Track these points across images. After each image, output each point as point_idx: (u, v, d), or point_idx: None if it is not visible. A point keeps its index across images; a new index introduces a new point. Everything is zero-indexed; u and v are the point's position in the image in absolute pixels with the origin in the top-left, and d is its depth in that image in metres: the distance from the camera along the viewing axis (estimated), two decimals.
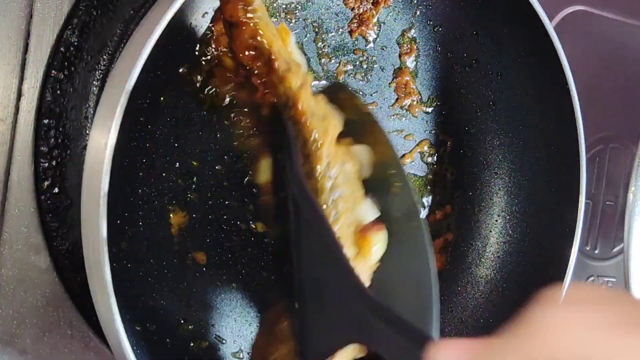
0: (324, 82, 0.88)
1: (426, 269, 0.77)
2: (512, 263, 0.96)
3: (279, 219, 0.79)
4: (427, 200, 0.97)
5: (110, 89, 0.67)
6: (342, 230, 0.77)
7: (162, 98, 0.78)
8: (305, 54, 0.85)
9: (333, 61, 0.89)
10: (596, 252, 1.19)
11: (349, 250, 0.77)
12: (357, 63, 0.90)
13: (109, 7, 0.79)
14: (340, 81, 0.88)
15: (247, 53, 0.74)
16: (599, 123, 1.16)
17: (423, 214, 0.97)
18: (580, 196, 0.89)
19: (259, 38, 0.73)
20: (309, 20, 0.86)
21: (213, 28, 0.77)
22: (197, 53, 0.78)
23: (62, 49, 0.77)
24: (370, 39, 0.91)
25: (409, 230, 0.79)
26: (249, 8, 0.71)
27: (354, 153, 0.81)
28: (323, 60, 0.88)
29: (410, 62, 0.94)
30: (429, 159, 0.97)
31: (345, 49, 0.89)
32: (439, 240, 0.97)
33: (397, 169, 0.81)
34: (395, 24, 0.92)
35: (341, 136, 0.80)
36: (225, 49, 0.77)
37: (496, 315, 0.95)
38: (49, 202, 0.77)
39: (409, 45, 0.93)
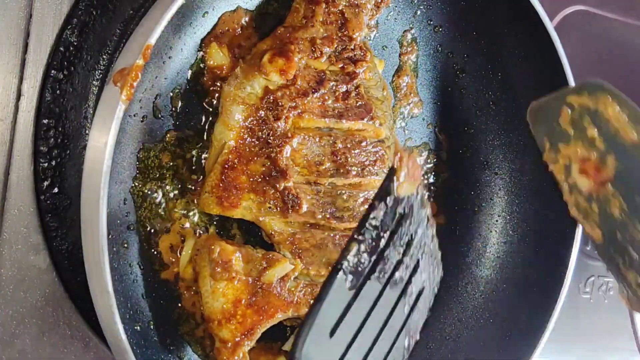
0: None
1: None
2: (512, 263, 0.96)
3: None
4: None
5: (110, 88, 0.67)
6: None
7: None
8: None
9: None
10: (596, 252, 1.19)
11: None
12: None
13: (108, 7, 0.79)
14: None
15: None
16: None
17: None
18: None
19: None
20: None
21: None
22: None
23: (61, 48, 0.77)
24: (371, 38, 0.91)
25: None
26: None
27: None
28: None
29: (410, 62, 0.94)
30: (429, 159, 0.97)
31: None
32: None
33: None
34: (395, 24, 0.92)
35: None
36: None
37: (496, 315, 0.95)
38: (48, 202, 0.77)
39: (409, 45, 0.93)
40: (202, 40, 0.79)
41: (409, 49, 0.93)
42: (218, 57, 0.78)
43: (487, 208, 0.98)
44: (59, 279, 0.78)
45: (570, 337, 1.18)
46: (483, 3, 0.91)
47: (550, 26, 0.86)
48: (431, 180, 0.97)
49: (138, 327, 0.75)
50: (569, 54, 0.88)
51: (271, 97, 0.76)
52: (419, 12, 0.93)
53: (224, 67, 0.79)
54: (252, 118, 0.76)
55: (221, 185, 0.76)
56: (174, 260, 0.79)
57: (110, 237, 0.66)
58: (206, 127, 0.80)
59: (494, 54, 0.94)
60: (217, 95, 0.80)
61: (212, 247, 0.76)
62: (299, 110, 0.77)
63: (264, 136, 0.76)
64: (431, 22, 0.93)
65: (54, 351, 0.78)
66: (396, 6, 0.91)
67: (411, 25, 0.93)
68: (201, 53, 0.79)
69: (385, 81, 0.86)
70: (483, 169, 0.98)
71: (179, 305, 0.80)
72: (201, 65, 0.79)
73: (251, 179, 0.76)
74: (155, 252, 0.78)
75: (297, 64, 0.76)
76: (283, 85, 0.76)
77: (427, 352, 0.94)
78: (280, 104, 0.76)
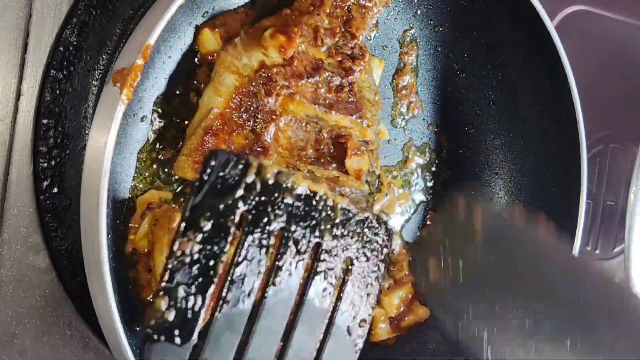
0: None
1: None
2: None
3: None
4: (426, 200, 0.97)
5: (110, 88, 0.67)
6: None
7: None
8: None
9: None
10: (597, 252, 1.19)
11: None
12: None
13: (108, 7, 0.79)
14: None
15: None
16: (599, 123, 1.16)
17: (421, 211, 0.97)
18: (580, 196, 0.89)
19: None
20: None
21: None
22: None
23: (61, 48, 0.77)
24: (371, 38, 0.91)
25: None
26: None
27: None
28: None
29: (410, 61, 0.93)
30: (429, 160, 0.96)
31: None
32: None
33: None
34: (395, 24, 0.92)
35: None
36: None
37: None
38: (48, 202, 0.77)
39: (409, 45, 0.93)
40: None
41: (409, 49, 0.93)
42: (210, 42, 0.78)
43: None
44: (59, 279, 0.78)
45: None
46: (483, 3, 0.91)
47: (550, 26, 0.86)
48: (431, 180, 0.97)
49: (138, 327, 0.75)
50: (569, 54, 0.88)
51: (266, 72, 0.76)
52: (419, 12, 0.92)
53: (216, 52, 0.79)
54: (243, 89, 0.75)
55: (200, 149, 0.74)
56: None
57: (110, 237, 0.66)
58: None
59: (494, 54, 0.94)
60: None
61: (172, 215, 0.74)
62: (291, 91, 0.76)
63: (252, 109, 0.76)
64: (431, 22, 0.93)
65: (53, 351, 0.78)
66: (396, 6, 0.91)
67: (411, 25, 0.93)
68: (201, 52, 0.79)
69: (378, 88, 0.86)
70: (483, 169, 0.98)
71: None
72: (201, 65, 0.79)
73: (231, 150, 0.75)
74: None
75: (297, 46, 0.76)
76: (279, 63, 0.76)
77: (427, 352, 0.94)
78: (273, 80, 0.76)
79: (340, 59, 0.79)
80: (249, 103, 0.75)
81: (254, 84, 0.75)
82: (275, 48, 0.75)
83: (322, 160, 0.78)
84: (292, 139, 0.77)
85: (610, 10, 1.18)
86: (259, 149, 0.75)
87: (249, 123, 0.75)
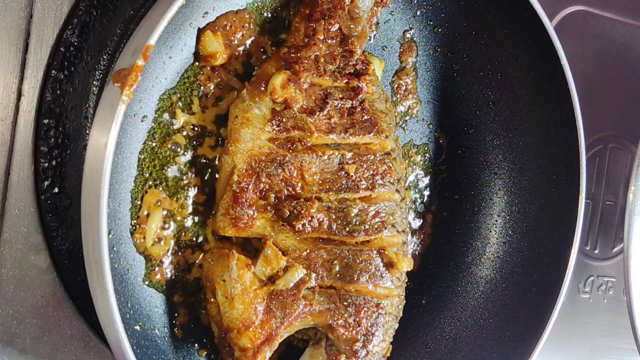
0: None
1: None
2: (512, 263, 0.96)
3: None
4: (426, 200, 0.97)
5: (110, 88, 0.67)
6: None
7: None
8: None
9: None
10: (596, 252, 1.19)
11: None
12: None
13: (108, 7, 0.79)
14: None
15: None
16: (599, 123, 1.16)
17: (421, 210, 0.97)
18: (580, 196, 0.89)
19: None
20: None
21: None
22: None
23: (62, 49, 0.77)
24: (371, 38, 0.91)
25: None
26: None
27: None
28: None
29: (410, 62, 0.94)
30: (429, 160, 0.97)
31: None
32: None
33: None
34: (395, 25, 0.92)
35: None
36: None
37: (496, 315, 0.95)
38: (48, 202, 0.77)
39: (409, 45, 0.93)
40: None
41: (408, 49, 0.93)
42: (212, 45, 0.78)
43: (487, 208, 0.98)
44: (59, 279, 0.78)
45: (570, 337, 1.18)
46: (482, 3, 0.91)
47: (550, 26, 0.87)
48: (430, 180, 0.97)
49: (138, 327, 0.75)
50: (569, 54, 0.88)
51: (279, 119, 0.77)
52: (418, 13, 0.93)
53: (217, 54, 0.79)
54: (260, 140, 0.77)
55: (234, 206, 0.76)
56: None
57: (110, 237, 0.67)
58: (205, 127, 0.80)
59: (493, 54, 0.94)
60: (216, 95, 0.80)
61: (230, 256, 0.76)
62: (309, 143, 0.78)
63: (273, 156, 0.77)
64: (431, 23, 0.93)
65: (54, 351, 0.79)
66: (396, 7, 0.91)
67: (411, 26, 0.93)
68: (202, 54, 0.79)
69: (387, 94, 0.87)
70: (483, 169, 0.98)
71: (178, 303, 0.80)
72: (202, 66, 0.79)
73: (263, 199, 0.77)
74: None
75: (304, 83, 0.77)
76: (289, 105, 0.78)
77: (427, 352, 0.95)
78: (288, 125, 0.77)
79: (346, 80, 0.80)
80: (269, 151, 0.77)
81: (270, 132, 0.77)
82: (288, 98, 0.76)
83: (351, 185, 0.80)
84: (318, 174, 0.78)
85: (610, 10, 1.18)
86: (287, 192, 0.77)
87: (273, 170, 0.77)
